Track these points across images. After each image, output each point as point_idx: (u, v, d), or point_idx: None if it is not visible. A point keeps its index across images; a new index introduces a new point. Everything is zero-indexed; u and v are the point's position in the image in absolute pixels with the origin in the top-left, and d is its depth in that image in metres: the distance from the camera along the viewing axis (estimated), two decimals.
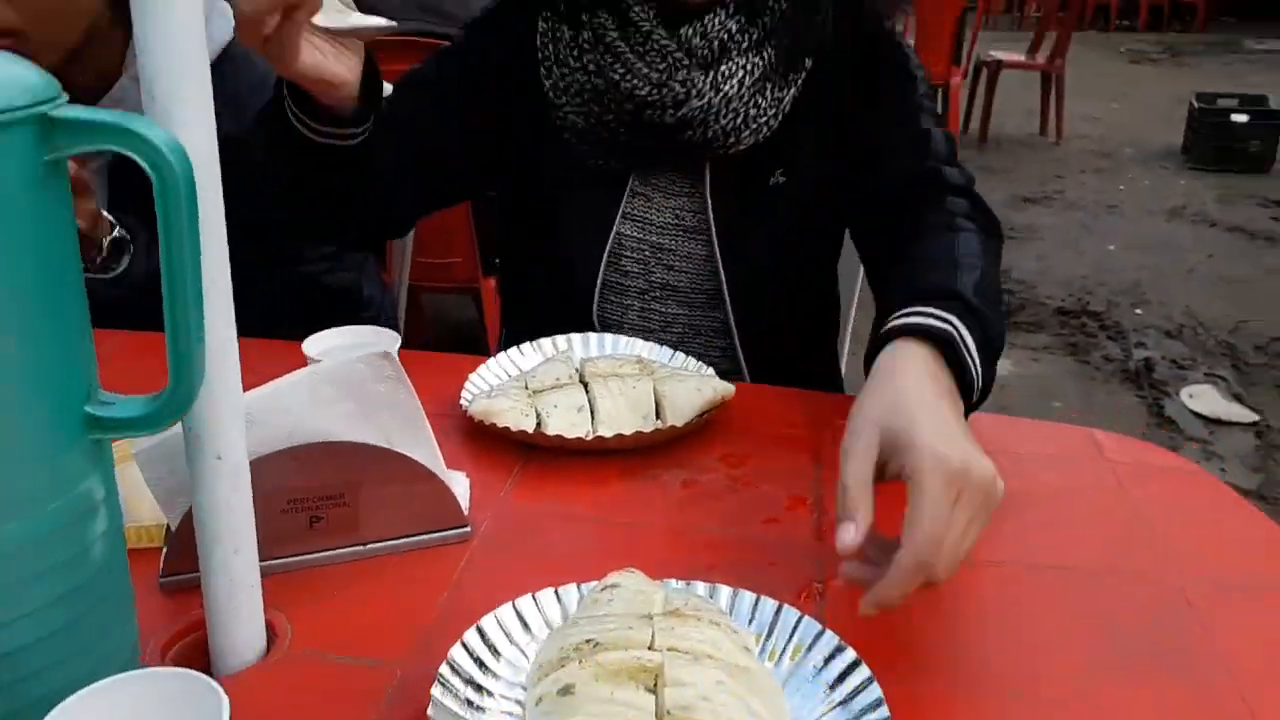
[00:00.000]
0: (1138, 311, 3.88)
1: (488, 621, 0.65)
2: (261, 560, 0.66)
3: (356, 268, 1.57)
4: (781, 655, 0.65)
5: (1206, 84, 6.95)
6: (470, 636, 0.63)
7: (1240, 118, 5.82)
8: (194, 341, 0.52)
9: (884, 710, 0.58)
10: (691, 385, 0.96)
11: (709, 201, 1.12)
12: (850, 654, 0.62)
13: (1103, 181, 5.65)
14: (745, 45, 1.08)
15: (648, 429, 0.91)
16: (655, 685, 0.57)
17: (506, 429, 0.91)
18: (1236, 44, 11.21)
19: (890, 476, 0.70)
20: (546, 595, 0.68)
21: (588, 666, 0.58)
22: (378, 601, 0.72)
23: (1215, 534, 0.83)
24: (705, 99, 1.06)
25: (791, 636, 0.66)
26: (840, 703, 0.60)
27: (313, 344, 0.93)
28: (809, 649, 0.64)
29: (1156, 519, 0.84)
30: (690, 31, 1.07)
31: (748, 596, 0.69)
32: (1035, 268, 4.27)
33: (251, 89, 1.18)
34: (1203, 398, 3.22)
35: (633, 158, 1.12)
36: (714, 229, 1.13)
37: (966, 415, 0.79)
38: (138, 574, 0.71)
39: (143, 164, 0.44)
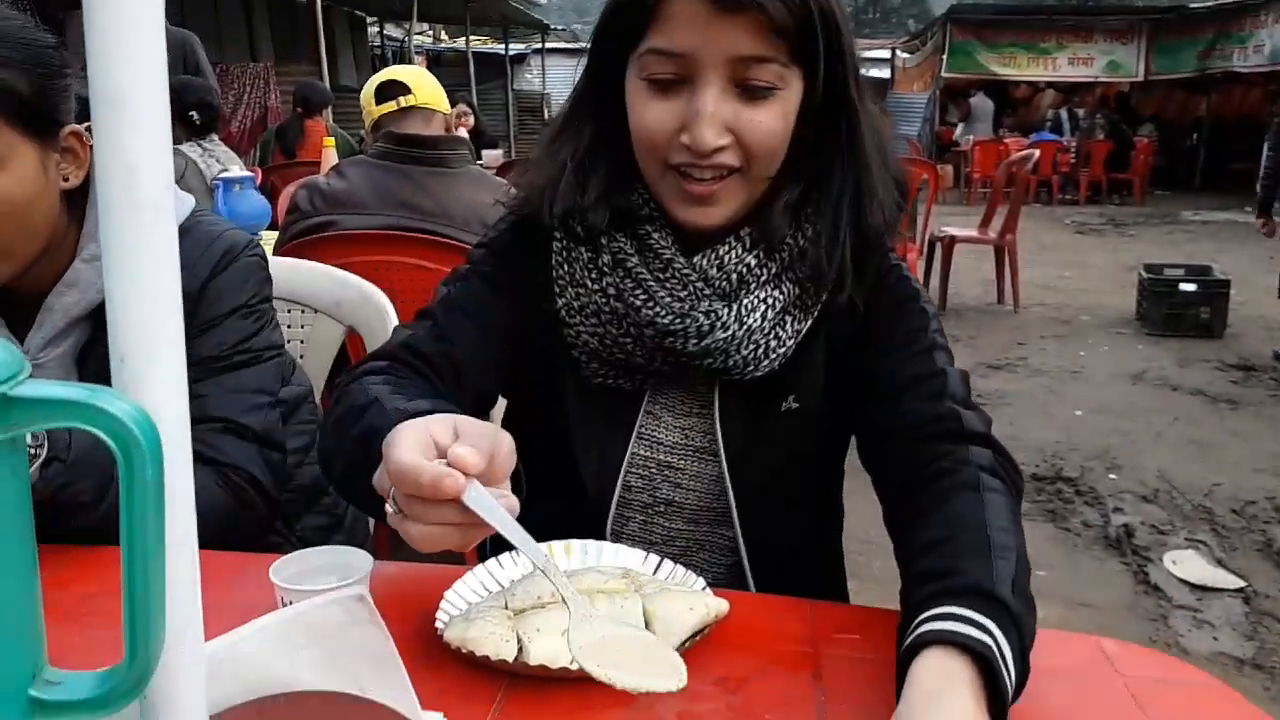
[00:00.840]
0: (1111, 476, 3.89)
1: None
2: None
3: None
4: None
5: (1150, 253, 7.28)
6: None
7: (1188, 287, 6.04)
8: (153, 622, 0.48)
9: None
10: (683, 604, 0.91)
11: (718, 424, 1.11)
12: None
13: (1063, 347, 5.79)
14: (764, 278, 1.07)
15: None
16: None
17: (485, 658, 0.86)
18: (1174, 215, 11.85)
19: None
20: None
21: None
22: None
23: None
24: (730, 330, 1.05)
25: None
26: None
27: (280, 569, 0.88)
28: None
29: None
30: (705, 262, 1.06)
31: None
32: (1008, 433, 4.30)
33: (199, 255, 1.22)
34: (1186, 564, 3.19)
35: (646, 379, 1.11)
36: (723, 450, 1.11)
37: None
38: None
39: (105, 439, 0.41)
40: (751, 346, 1.06)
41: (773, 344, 1.07)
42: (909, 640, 0.79)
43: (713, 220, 1.05)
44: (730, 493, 1.11)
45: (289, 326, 1.71)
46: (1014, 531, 0.90)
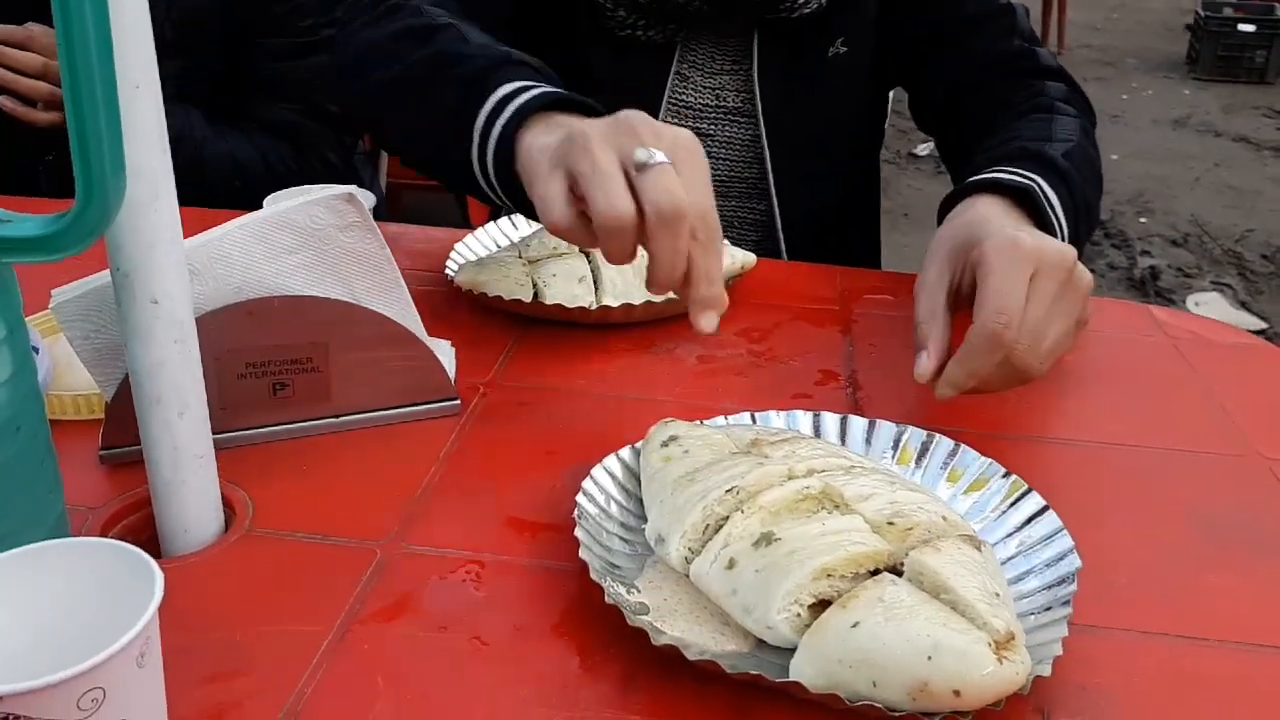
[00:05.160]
0: (1143, 220, 3.78)
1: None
2: (217, 431, 0.56)
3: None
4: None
5: None
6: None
7: (1247, 27, 5.65)
8: (106, 141, 0.41)
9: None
10: None
11: (756, 78, 1.00)
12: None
13: (1106, 90, 5.50)
14: None
15: (659, 299, 0.81)
16: (839, 507, 0.51)
17: (499, 298, 0.81)
18: None
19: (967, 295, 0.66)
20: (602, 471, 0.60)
21: (754, 514, 0.50)
22: (354, 478, 0.62)
23: None
24: None
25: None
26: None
27: (273, 201, 0.82)
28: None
29: (1228, 395, 0.75)
30: None
31: (804, 416, 0.64)
32: None
33: None
34: (1209, 305, 3.15)
35: (681, 22, 0.98)
36: (760, 109, 1.01)
37: None
38: (78, 448, 0.62)
39: None
40: None
41: None
42: (947, 200, 0.77)
43: None
44: (768, 159, 1.03)
45: None
46: (1082, 135, 0.86)
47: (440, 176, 0.84)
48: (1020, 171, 0.76)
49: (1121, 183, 4.12)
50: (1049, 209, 0.74)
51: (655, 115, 0.99)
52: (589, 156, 0.56)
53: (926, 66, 1.02)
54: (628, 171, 0.55)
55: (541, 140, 0.62)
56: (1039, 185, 0.75)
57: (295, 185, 0.90)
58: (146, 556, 0.41)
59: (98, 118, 0.42)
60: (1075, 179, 0.79)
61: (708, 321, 0.58)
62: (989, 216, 0.70)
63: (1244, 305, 3.16)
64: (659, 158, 0.55)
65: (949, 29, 0.99)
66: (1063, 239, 0.75)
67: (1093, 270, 3.48)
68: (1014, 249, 0.63)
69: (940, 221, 0.76)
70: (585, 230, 0.58)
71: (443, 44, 0.76)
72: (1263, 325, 3.03)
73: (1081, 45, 6.43)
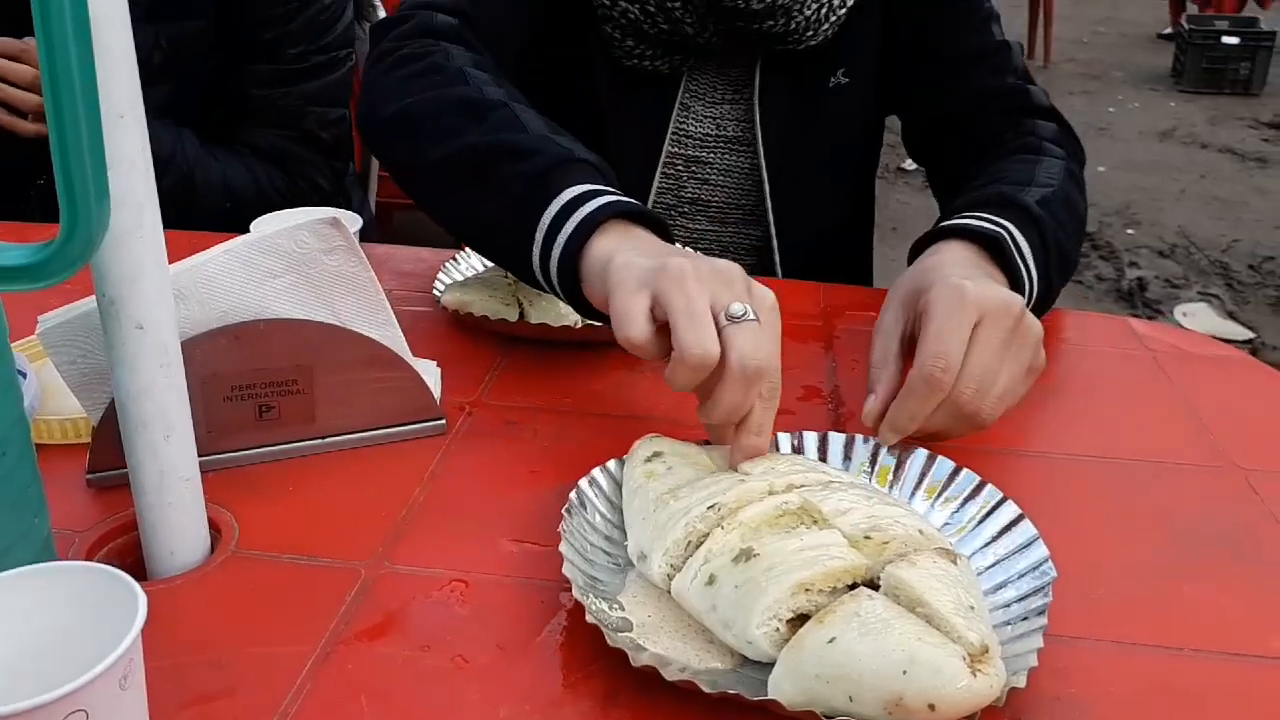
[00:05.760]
0: (1130, 231, 3.80)
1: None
2: (203, 454, 0.57)
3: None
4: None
5: (1192, 9, 6.82)
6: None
7: (1231, 40, 5.70)
8: (90, 171, 0.42)
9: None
10: None
11: (756, 108, 1.02)
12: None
13: (1092, 103, 5.53)
14: None
15: None
16: (817, 522, 0.51)
17: (485, 318, 0.81)
18: None
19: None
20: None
21: (733, 530, 0.51)
22: (339, 499, 0.62)
23: (1271, 419, 0.76)
24: None
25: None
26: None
27: (261, 226, 0.83)
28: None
29: (1205, 406, 0.76)
30: None
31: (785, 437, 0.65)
32: None
33: None
34: (1197, 316, 3.16)
35: (688, 53, 0.99)
36: (760, 138, 1.02)
37: None
38: (66, 472, 0.63)
39: None
40: (816, 5, 0.95)
41: (835, 2, 0.96)
42: (917, 244, 0.78)
43: None
44: (766, 186, 1.04)
45: None
46: (1065, 180, 0.87)
47: (493, 260, 0.83)
48: (991, 218, 0.76)
49: (1108, 195, 4.14)
50: (1017, 257, 0.74)
51: (659, 144, 1.04)
52: (684, 293, 0.57)
53: (922, 98, 1.04)
54: (716, 317, 0.57)
55: (626, 255, 0.63)
56: (1009, 233, 0.75)
57: (286, 208, 0.91)
58: (129, 579, 0.41)
59: (81, 148, 0.42)
60: (1049, 226, 0.79)
61: (743, 463, 0.59)
62: (945, 262, 0.71)
63: (1231, 315, 3.18)
64: (752, 314, 0.57)
65: (947, 63, 1.01)
66: (1030, 287, 0.75)
67: (1080, 282, 3.51)
68: (958, 296, 0.63)
69: (909, 263, 0.77)
70: (656, 349, 0.59)
71: (500, 128, 0.76)
72: (1250, 335, 3.05)
73: (1067, 59, 6.47)
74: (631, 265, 0.61)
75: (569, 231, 0.67)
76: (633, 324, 0.59)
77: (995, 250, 0.74)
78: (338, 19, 1.32)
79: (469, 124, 0.77)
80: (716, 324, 0.57)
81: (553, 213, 0.68)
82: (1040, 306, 0.79)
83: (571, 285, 0.68)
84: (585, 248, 0.66)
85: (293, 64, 1.28)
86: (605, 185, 0.71)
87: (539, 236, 0.69)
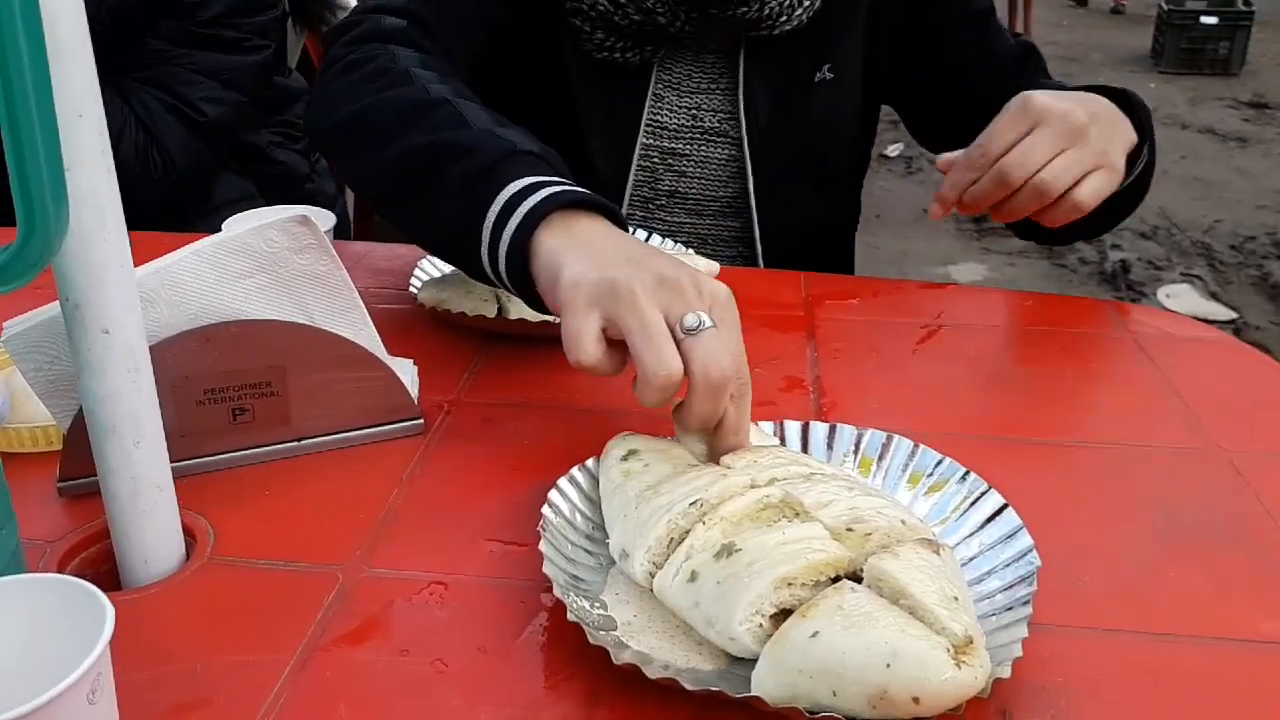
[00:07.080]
0: None
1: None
2: (176, 459, 0.56)
3: (306, 152, 1.44)
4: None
5: None
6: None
7: (1210, 20, 5.72)
8: (46, 173, 0.41)
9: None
10: None
11: (741, 101, 1.01)
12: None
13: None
14: None
15: None
16: (799, 515, 0.51)
17: (462, 315, 0.81)
18: None
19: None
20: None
21: (715, 525, 0.51)
22: (316, 502, 0.62)
23: (1255, 400, 0.75)
24: None
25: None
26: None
27: (231, 226, 0.81)
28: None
29: (1189, 388, 0.76)
30: None
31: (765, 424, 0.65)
32: None
33: None
34: (1180, 297, 3.18)
35: (659, 43, 0.98)
36: (745, 130, 1.01)
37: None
38: (37, 481, 0.61)
39: None
40: None
41: None
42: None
43: None
44: (750, 176, 1.03)
45: None
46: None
47: (450, 263, 0.81)
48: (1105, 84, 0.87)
49: None
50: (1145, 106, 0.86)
51: (633, 136, 1.03)
52: (637, 313, 0.56)
53: (922, 95, 1.06)
54: (672, 329, 0.56)
55: (574, 268, 0.60)
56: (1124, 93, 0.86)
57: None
58: (97, 591, 0.40)
59: (37, 150, 0.41)
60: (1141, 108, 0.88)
61: (725, 457, 0.58)
62: (1051, 91, 0.80)
63: (1214, 296, 3.20)
64: (707, 323, 0.56)
65: (983, 73, 1.02)
66: (1151, 137, 0.87)
67: (1063, 265, 3.51)
68: (1021, 104, 0.77)
69: None
70: (610, 367, 0.58)
71: (442, 126, 0.74)
72: (1233, 315, 3.06)
73: (1047, 41, 6.48)
74: (580, 283, 0.59)
75: (513, 229, 0.65)
76: (582, 349, 0.57)
77: (1122, 101, 0.84)
78: (265, 6, 1.30)
79: (412, 125, 0.75)
80: (674, 335, 0.56)
81: (496, 210, 0.66)
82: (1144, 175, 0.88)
83: (523, 283, 0.66)
84: (531, 244, 0.64)
85: (201, 28, 1.26)
86: (551, 175, 0.68)
87: (485, 236, 0.67)
